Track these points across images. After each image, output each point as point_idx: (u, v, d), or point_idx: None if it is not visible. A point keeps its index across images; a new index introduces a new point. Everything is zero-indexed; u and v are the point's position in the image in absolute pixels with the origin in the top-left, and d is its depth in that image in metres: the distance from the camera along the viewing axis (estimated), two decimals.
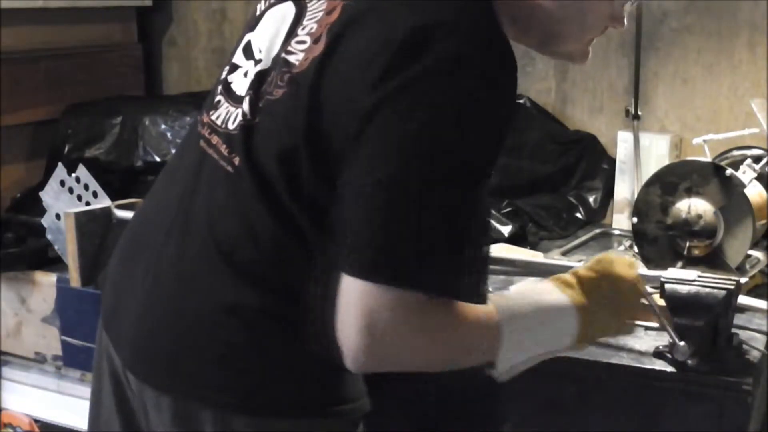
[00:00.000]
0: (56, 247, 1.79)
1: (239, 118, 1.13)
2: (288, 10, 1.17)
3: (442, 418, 1.55)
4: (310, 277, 1.08)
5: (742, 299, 1.52)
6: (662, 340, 1.47)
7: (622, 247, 2.08)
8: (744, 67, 2.24)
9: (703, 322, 1.35)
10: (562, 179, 2.36)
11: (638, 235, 1.75)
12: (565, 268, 1.85)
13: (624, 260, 1.28)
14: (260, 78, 1.14)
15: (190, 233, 1.14)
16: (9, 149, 2.40)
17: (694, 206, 1.67)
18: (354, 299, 1.00)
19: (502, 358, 1.14)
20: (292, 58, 1.10)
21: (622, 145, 2.25)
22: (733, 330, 1.43)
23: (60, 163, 1.76)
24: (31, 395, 2.18)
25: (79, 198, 1.74)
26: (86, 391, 2.04)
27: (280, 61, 1.12)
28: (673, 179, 1.70)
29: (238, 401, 1.09)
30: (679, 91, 2.31)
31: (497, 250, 1.89)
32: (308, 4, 1.14)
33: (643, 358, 1.43)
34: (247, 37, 1.22)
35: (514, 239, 2.01)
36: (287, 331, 1.09)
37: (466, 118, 1.01)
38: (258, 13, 1.24)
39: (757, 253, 1.78)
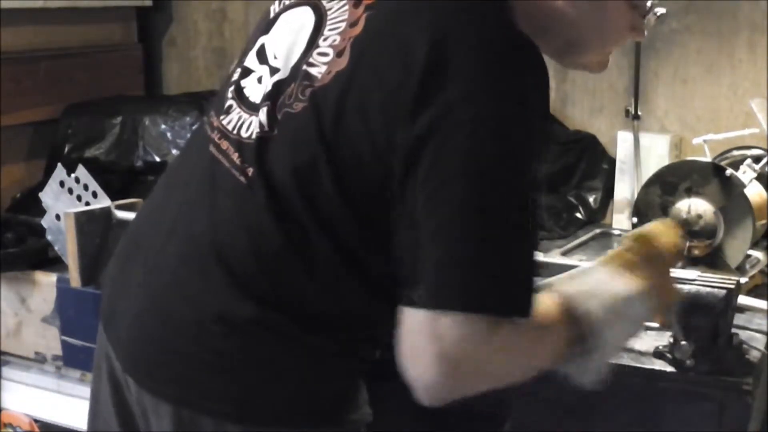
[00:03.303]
0: (56, 248, 1.80)
1: (255, 128, 1.10)
2: (306, 18, 1.13)
3: (442, 418, 1.55)
4: (311, 292, 1.07)
5: (742, 299, 1.52)
6: (662, 340, 1.47)
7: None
8: (744, 67, 2.24)
9: (704, 322, 1.35)
10: (562, 179, 2.36)
11: None
12: (566, 267, 1.86)
13: (664, 230, 1.26)
14: (278, 88, 1.10)
15: (191, 240, 1.11)
16: (9, 149, 2.40)
17: (694, 206, 1.67)
18: (427, 331, 0.97)
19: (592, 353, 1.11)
20: (313, 71, 1.07)
21: (622, 145, 2.25)
22: (733, 330, 1.43)
23: (59, 164, 1.76)
24: (31, 395, 2.18)
25: (79, 198, 1.74)
26: (86, 391, 2.04)
27: (300, 73, 1.08)
28: (673, 179, 1.70)
29: (236, 411, 1.08)
30: (679, 91, 2.31)
31: None
32: (328, 12, 1.11)
33: (643, 358, 1.43)
34: (261, 40, 1.18)
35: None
36: (282, 342, 1.08)
37: (511, 132, 0.98)
38: (272, 15, 1.20)
39: (757, 253, 1.78)
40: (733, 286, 1.38)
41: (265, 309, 1.07)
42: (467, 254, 0.97)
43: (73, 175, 1.73)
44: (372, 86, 1.01)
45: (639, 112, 2.26)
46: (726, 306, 1.37)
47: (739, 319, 1.50)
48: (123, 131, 2.41)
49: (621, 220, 2.23)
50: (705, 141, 1.91)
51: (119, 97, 2.59)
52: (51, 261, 2.06)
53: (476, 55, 0.99)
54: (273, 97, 1.10)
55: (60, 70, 2.52)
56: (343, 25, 1.08)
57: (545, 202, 2.26)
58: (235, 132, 1.13)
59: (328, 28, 1.09)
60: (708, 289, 1.37)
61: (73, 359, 2.09)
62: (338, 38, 1.07)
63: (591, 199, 2.32)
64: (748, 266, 1.73)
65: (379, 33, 1.04)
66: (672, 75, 2.32)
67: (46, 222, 1.76)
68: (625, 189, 2.24)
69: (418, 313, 0.98)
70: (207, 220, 1.11)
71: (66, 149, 2.40)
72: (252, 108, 1.12)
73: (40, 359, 2.14)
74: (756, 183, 1.72)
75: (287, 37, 1.14)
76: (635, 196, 1.87)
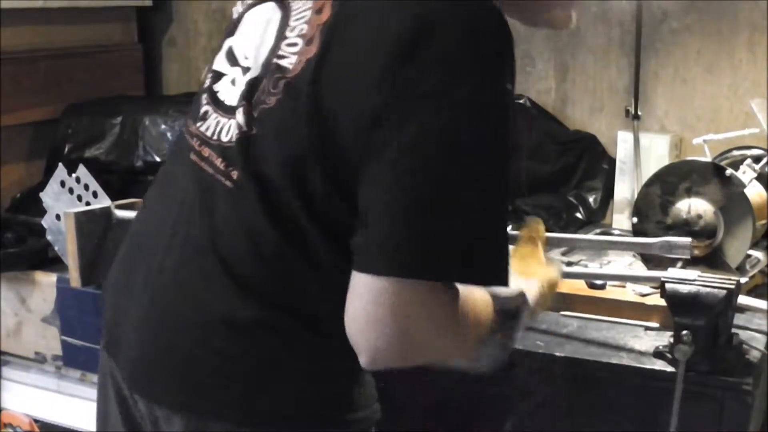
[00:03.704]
0: (56, 248, 1.79)
1: (234, 130, 1.10)
2: (272, 13, 1.14)
3: (442, 418, 1.55)
4: (314, 289, 1.07)
5: (742, 299, 1.52)
6: (662, 340, 1.47)
7: None
8: (744, 67, 2.24)
9: (703, 322, 1.36)
10: (562, 179, 2.36)
11: (638, 235, 1.74)
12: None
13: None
14: (252, 86, 1.10)
15: (190, 247, 1.11)
16: (9, 149, 2.40)
17: (694, 206, 1.67)
18: (383, 298, 0.97)
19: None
20: (284, 63, 1.06)
21: (622, 145, 2.25)
22: (733, 330, 1.43)
23: (60, 164, 1.76)
24: (31, 395, 2.18)
25: (79, 198, 1.73)
26: (86, 391, 2.06)
27: (271, 67, 1.08)
28: (673, 179, 1.70)
29: (247, 414, 1.08)
30: (679, 91, 2.31)
31: None
32: (292, 4, 1.11)
33: (643, 358, 1.43)
34: (228, 42, 1.19)
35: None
36: (289, 341, 1.08)
37: (480, 99, 0.98)
38: (236, 16, 1.20)
39: (757, 253, 1.78)
40: (733, 286, 1.38)
41: (270, 309, 1.07)
42: (428, 222, 0.97)
43: (73, 175, 1.73)
44: (346, 66, 1.01)
45: (639, 112, 2.26)
46: (726, 306, 1.37)
47: (739, 319, 1.50)
48: (123, 131, 2.41)
49: (621, 220, 2.23)
50: (705, 141, 1.91)
51: (119, 97, 2.59)
52: (51, 261, 2.06)
53: (449, 28, 0.98)
54: (248, 96, 1.10)
55: (60, 70, 2.52)
56: (309, 13, 1.07)
57: (545, 202, 2.26)
58: (215, 138, 1.12)
59: (293, 18, 1.09)
60: (708, 289, 1.37)
61: (73, 359, 2.09)
62: (306, 27, 1.07)
63: (591, 199, 2.32)
64: (748, 266, 1.72)
65: (348, 15, 1.04)
66: (672, 75, 2.32)
67: (46, 222, 1.76)
68: (625, 189, 2.24)
69: (372, 280, 0.98)
70: (205, 228, 1.10)
71: (66, 149, 2.40)
72: (229, 111, 1.12)
73: (40, 359, 2.14)
74: (756, 183, 1.72)
75: (255, 36, 1.14)
76: (635, 196, 1.87)
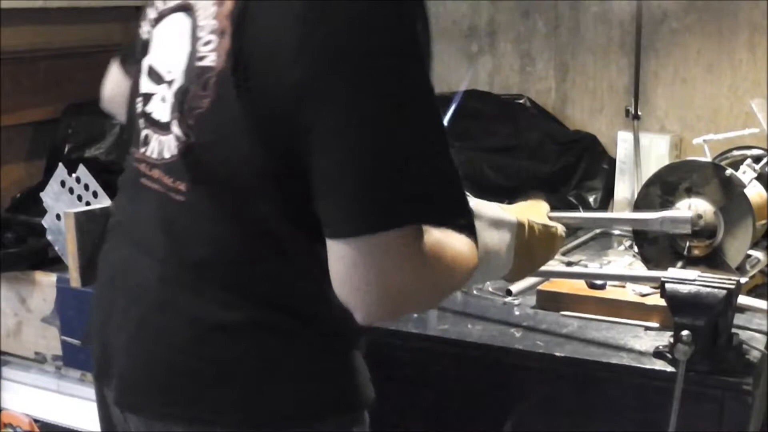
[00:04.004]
0: (56, 248, 1.79)
1: (173, 144, 1.10)
2: (181, 21, 1.13)
3: (442, 418, 1.55)
4: (291, 279, 1.08)
5: (742, 299, 1.52)
6: (662, 340, 1.47)
7: (622, 247, 2.08)
8: (744, 67, 2.24)
9: (703, 322, 1.36)
10: (562, 179, 2.36)
11: (638, 235, 1.75)
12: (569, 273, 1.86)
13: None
14: (180, 96, 1.10)
15: (162, 268, 1.12)
16: (9, 149, 2.40)
17: (694, 206, 1.67)
18: (359, 258, 0.99)
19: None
20: (206, 63, 1.06)
21: (622, 145, 2.25)
22: (733, 330, 1.43)
23: (60, 164, 1.76)
24: (31, 395, 2.18)
25: (80, 198, 1.73)
26: (86, 391, 2.05)
27: (194, 72, 1.08)
28: (673, 179, 1.70)
29: (248, 417, 1.08)
30: (679, 91, 2.32)
31: None
32: (196, 6, 1.11)
33: (643, 358, 1.43)
34: (146, 63, 1.18)
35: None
36: (279, 339, 1.08)
37: (398, 45, 0.99)
38: (145, 37, 1.21)
39: (757, 253, 1.78)
40: (733, 286, 1.38)
41: (255, 309, 1.08)
42: (381, 175, 0.98)
43: (73, 175, 1.73)
44: (261, 45, 1.01)
45: (639, 112, 2.26)
46: (726, 306, 1.37)
47: (739, 319, 1.50)
48: (123, 131, 2.41)
49: None
50: (705, 141, 1.91)
51: None
52: (51, 261, 2.06)
53: None
54: (179, 107, 1.10)
55: (60, 70, 2.52)
56: (214, 8, 1.07)
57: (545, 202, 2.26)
58: (159, 158, 1.13)
59: (201, 19, 1.09)
60: (708, 289, 1.37)
61: (73, 359, 2.09)
62: (215, 22, 1.07)
63: (591, 199, 2.32)
64: (748, 266, 1.72)
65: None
66: (672, 75, 2.32)
67: (46, 222, 1.76)
68: (625, 189, 2.24)
69: (348, 243, 0.99)
70: (168, 246, 1.11)
71: (66, 149, 2.40)
72: (165, 128, 1.12)
73: (40, 359, 2.14)
74: (756, 183, 1.72)
75: (171, 48, 1.14)
76: (635, 196, 1.87)
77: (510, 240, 1.25)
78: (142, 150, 1.16)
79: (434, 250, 1.04)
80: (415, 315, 1.63)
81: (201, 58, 1.07)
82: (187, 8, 1.12)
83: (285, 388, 1.09)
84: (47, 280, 2.08)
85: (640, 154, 2.22)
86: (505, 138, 2.40)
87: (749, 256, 1.74)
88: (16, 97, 2.37)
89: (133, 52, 1.27)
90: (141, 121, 1.18)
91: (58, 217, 1.73)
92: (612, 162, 2.32)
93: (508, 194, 2.18)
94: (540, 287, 1.68)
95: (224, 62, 1.04)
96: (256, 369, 1.08)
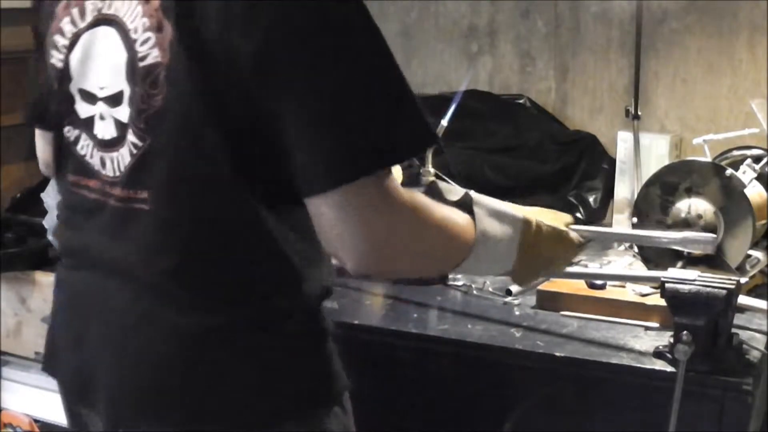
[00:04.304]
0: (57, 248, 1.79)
1: (126, 155, 1.09)
2: (105, 34, 1.11)
3: (442, 418, 1.55)
4: (256, 269, 1.08)
5: (742, 299, 1.52)
6: (662, 340, 1.47)
7: (622, 247, 2.08)
8: (744, 67, 2.24)
9: (704, 322, 1.36)
10: (562, 179, 2.36)
11: None
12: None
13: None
14: (128, 104, 1.08)
15: (138, 281, 1.11)
16: (9, 149, 2.40)
17: (694, 206, 1.67)
18: (342, 209, 0.99)
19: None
20: (150, 61, 1.05)
21: (622, 145, 2.25)
22: (733, 330, 1.43)
23: None
24: (31, 395, 2.18)
25: None
26: None
27: (138, 74, 1.06)
28: (673, 179, 1.70)
29: (242, 418, 1.08)
30: (679, 91, 2.32)
31: None
32: (116, 10, 1.09)
33: (643, 358, 1.43)
34: (74, 89, 1.15)
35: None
36: (268, 339, 1.09)
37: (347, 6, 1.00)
38: (59, 65, 1.16)
39: (757, 253, 1.78)
40: (733, 286, 1.38)
41: (238, 309, 1.08)
42: (345, 122, 0.98)
43: None
44: (204, 26, 1.00)
45: (639, 112, 2.26)
46: (726, 306, 1.37)
47: (739, 319, 1.50)
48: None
49: (621, 220, 2.23)
50: (705, 141, 1.91)
51: None
52: (51, 261, 2.06)
53: None
54: (129, 115, 1.08)
55: None
56: (140, 8, 1.06)
57: (545, 202, 2.26)
58: (117, 174, 1.11)
59: (129, 21, 1.07)
60: (708, 289, 1.37)
61: None
62: (146, 20, 1.06)
63: (591, 199, 2.32)
64: (748, 266, 1.72)
65: None
66: (672, 75, 2.32)
67: (47, 223, 1.76)
68: (625, 189, 2.24)
69: (330, 197, 0.99)
70: (139, 261, 1.10)
71: None
72: (114, 143, 1.11)
73: (40, 359, 2.14)
74: (756, 183, 1.72)
75: (99, 64, 1.12)
76: (635, 196, 1.87)
77: (513, 233, 1.22)
78: (102, 174, 1.13)
79: (418, 204, 1.04)
80: (415, 316, 1.63)
81: (143, 58, 1.06)
82: (107, 20, 1.10)
83: (281, 386, 1.10)
84: (47, 280, 2.08)
85: (640, 154, 2.22)
86: (505, 138, 2.40)
87: (749, 256, 1.74)
88: (16, 97, 2.37)
89: (40, 101, 1.24)
90: (86, 147, 1.15)
91: (58, 217, 1.73)
92: (612, 162, 2.32)
93: (508, 194, 2.19)
94: (540, 287, 1.68)
95: (170, 54, 1.03)
96: (248, 369, 1.09)
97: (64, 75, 1.16)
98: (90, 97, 1.13)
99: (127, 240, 1.11)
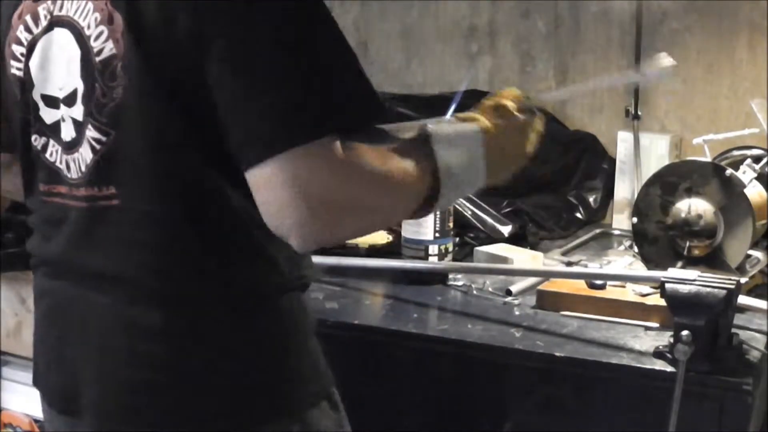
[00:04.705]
0: None
1: (88, 152, 1.09)
2: (60, 36, 1.11)
3: (442, 418, 1.55)
4: (248, 259, 1.08)
5: (742, 299, 1.52)
6: (662, 340, 1.47)
7: (622, 247, 2.08)
8: (744, 67, 2.24)
9: (704, 322, 1.35)
10: (562, 179, 2.36)
11: (638, 235, 1.75)
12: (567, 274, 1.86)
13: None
14: (84, 100, 1.08)
15: (115, 282, 1.09)
16: None
17: (694, 206, 1.67)
18: (281, 178, 0.97)
19: (444, 179, 1.12)
20: (105, 54, 1.05)
21: (622, 145, 2.25)
22: (733, 330, 1.43)
23: None
24: (31, 395, 2.17)
25: None
26: None
27: (95, 69, 1.07)
28: (673, 179, 1.70)
29: (227, 416, 1.08)
30: (679, 91, 2.31)
31: (497, 249, 1.89)
32: (67, 15, 1.10)
33: (643, 358, 1.43)
34: (36, 97, 1.14)
35: (514, 239, 2.01)
36: (252, 334, 1.09)
37: None
38: (19, 74, 1.15)
39: (757, 253, 1.78)
40: (733, 286, 1.38)
41: (219, 305, 1.08)
42: (286, 89, 0.98)
43: None
44: (145, 7, 1.02)
45: (639, 112, 2.26)
46: (726, 306, 1.37)
47: (739, 319, 1.50)
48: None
49: (621, 220, 2.23)
50: (705, 141, 1.91)
51: None
52: None
53: None
54: (88, 112, 1.08)
55: None
56: (90, 4, 1.07)
57: (545, 202, 2.26)
58: (80, 176, 1.11)
59: (81, 18, 1.08)
60: (708, 289, 1.37)
61: None
62: (97, 14, 1.06)
63: (591, 199, 2.32)
64: (748, 266, 1.73)
65: None
66: (672, 75, 2.32)
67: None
68: (625, 189, 2.24)
69: (265, 167, 0.98)
70: (114, 261, 1.09)
71: None
72: (74, 144, 1.10)
73: None
74: (756, 183, 1.72)
75: (56, 66, 1.11)
76: (635, 196, 1.87)
77: (475, 150, 1.18)
78: (66, 180, 1.13)
79: (354, 159, 1.01)
80: (415, 316, 1.63)
81: (99, 53, 1.06)
82: (60, 22, 1.10)
83: (270, 383, 1.10)
84: None
85: (640, 154, 2.22)
86: None
87: (749, 256, 1.74)
88: None
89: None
90: (55, 153, 1.14)
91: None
92: (612, 162, 2.32)
93: (508, 194, 2.19)
94: (540, 287, 1.68)
95: (124, 44, 1.04)
96: (236, 367, 1.09)
97: (26, 83, 1.15)
98: (52, 102, 1.13)
99: (96, 241, 1.10)
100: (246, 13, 0.98)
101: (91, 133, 1.08)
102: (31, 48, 1.14)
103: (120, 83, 1.05)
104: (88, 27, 1.07)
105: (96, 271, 1.11)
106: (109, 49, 1.05)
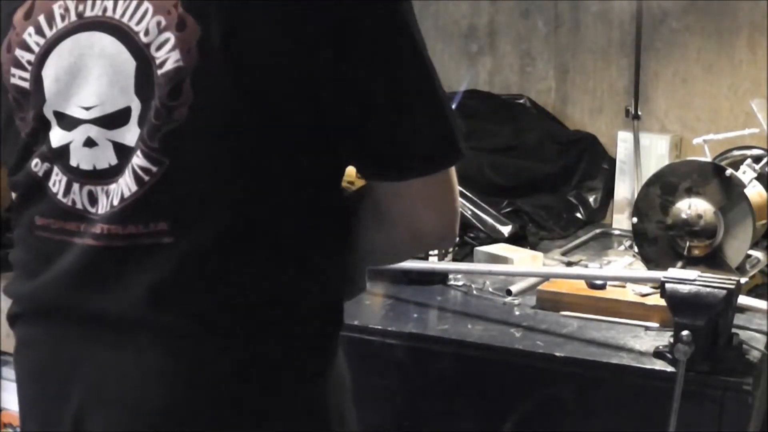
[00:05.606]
0: None
1: (133, 182, 0.94)
2: (94, 40, 0.95)
3: (443, 418, 1.55)
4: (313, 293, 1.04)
5: (742, 299, 1.52)
6: (662, 340, 1.47)
7: (622, 247, 2.08)
8: (744, 67, 2.24)
9: (704, 322, 1.36)
10: (562, 179, 2.36)
11: (638, 235, 1.75)
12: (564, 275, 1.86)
13: None
14: (140, 124, 0.93)
15: (131, 332, 0.96)
16: None
17: (694, 206, 1.67)
18: (437, 191, 1.03)
19: None
20: (169, 66, 0.91)
21: (622, 145, 2.25)
22: (733, 330, 1.43)
23: None
24: None
25: None
26: None
27: (154, 84, 0.92)
28: (673, 179, 1.70)
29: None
30: (679, 91, 2.32)
31: (497, 249, 1.89)
32: (113, 17, 0.94)
33: (643, 358, 1.43)
34: (47, 114, 0.98)
35: (514, 239, 2.01)
36: (294, 375, 1.02)
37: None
38: (24, 85, 0.99)
39: (757, 253, 1.78)
40: (733, 286, 1.38)
41: (253, 343, 0.98)
42: (439, 114, 1.01)
43: None
44: (253, 17, 0.91)
45: (639, 112, 2.26)
46: (726, 306, 1.37)
47: (739, 319, 1.50)
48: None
49: (621, 220, 2.23)
50: (705, 141, 1.91)
51: None
52: None
53: None
54: (137, 137, 0.94)
55: None
56: (147, 4, 0.93)
57: (545, 202, 2.26)
58: (108, 209, 0.96)
59: (133, 20, 0.94)
60: (708, 289, 1.37)
61: None
62: (161, 17, 0.92)
63: (591, 199, 2.32)
64: (748, 266, 1.73)
65: None
66: (672, 75, 2.32)
67: None
68: (625, 189, 2.24)
69: (422, 181, 1.01)
70: (161, 307, 0.95)
71: None
72: (113, 173, 0.95)
73: None
74: (756, 183, 1.72)
75: (91, 78, 0.95)
76: (635, 196, 1.87)
77: None
78: (87, 208, 0.97)
79: None
80: (415, 316, 1.63)
81: (161, 64, 0.92)
82: (99, 25, 0.95)
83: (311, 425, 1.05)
84: None
85: (640, 154, 2.22)
86: (505, 138, 2.40)
87: (749, 256, 1.74)
88: None
89: None
90: (59, 183, 0.99)
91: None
92: (612, 162, 2.32)
93: (508, 194, 2.19)
94: (540, 287, 1.68)
95: (199, 55, 0.90)
96: (289, 413, 1.02)
97: (32, 96, 0.99)
98: (69, 121, 0.97)
99: (124, 285, 0.95)
100: (387, 35, 1.00)
101: (138, 161, 0.94)
102: (44, 55, 0.98)
103: (185, 102, 0.91)
104: (146, 33, 0.92)
105: (116, 319, 0.96)
106: (174, 60, 0.91)
